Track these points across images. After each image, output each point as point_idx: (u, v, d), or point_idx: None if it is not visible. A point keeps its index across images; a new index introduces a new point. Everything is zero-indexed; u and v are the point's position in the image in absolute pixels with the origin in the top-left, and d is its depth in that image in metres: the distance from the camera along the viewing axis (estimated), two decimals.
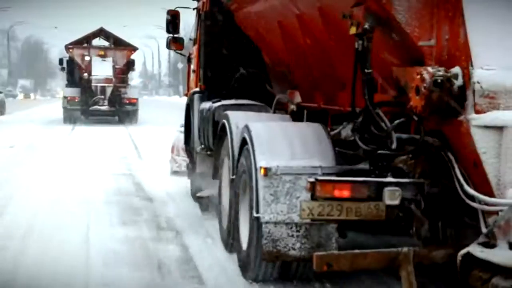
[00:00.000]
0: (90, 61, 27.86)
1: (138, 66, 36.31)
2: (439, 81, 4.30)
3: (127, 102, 28.25)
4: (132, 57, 30.15)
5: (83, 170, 12.98)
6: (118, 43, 29.76)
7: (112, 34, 30.09)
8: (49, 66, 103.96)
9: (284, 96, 7.54)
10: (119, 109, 28.07)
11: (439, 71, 4.35)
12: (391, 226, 5.48)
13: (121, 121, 28.15)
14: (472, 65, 4.28)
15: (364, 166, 5.44)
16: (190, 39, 10.28)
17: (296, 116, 7.21)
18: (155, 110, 33.77)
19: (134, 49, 29.92)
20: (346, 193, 4.74)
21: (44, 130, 23.93)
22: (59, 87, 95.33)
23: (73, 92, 28.21)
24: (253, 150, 5.66)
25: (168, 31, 9.99)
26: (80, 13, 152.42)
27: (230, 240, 6.63)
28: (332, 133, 6.14)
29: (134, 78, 42.66)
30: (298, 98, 7.22)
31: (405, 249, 4.63)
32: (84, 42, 29.65)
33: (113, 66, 27.95)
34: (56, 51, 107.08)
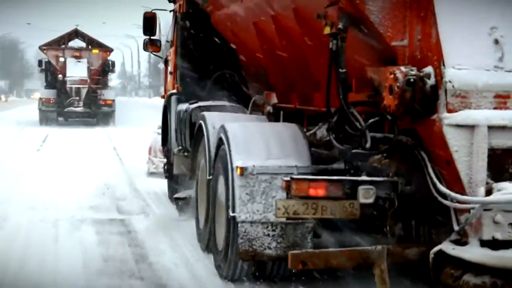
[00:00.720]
0: (64, 62, 27.78)
1: (116, 67, 36.06)
2: (411, 80, 4.35)
3: (103, 103, 28.17)
4: (111, 58, 30.06)
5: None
6: (93, 44, 29.64)
7: (87, 35, 30.02)
8: (26, 66, 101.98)
9: (260, 97, 7.58)
10: (95, 110, 27.98)
11: (411, 70, 4.40)
12: (366, 224, 5.53)
13: (98, 123, 28.03)
14: (444, 65, 4.34)
15: (339, 165, 5.50)
16: (167, 41, 10.29)
17: (273, 117, 7.26)
18: (135, 112, 33.65)
19: (110, 50, 29.84)
20: (321, 192, 4.76)
21: (17, 133, 23.68)
22: (36, 88, 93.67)
23: (49, 93, 28.21)
24: (230, 150, 5.69)
25: (145, 33, 10.00)
26: (58, 10, 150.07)
27: (206, 241, 6.65)
28: (308, 133, 6.20)
29: (113, 79, 42.27)
30: (274, 99, 7.26)
31: (378, 247, 4.68)
32: (60, 43, 29.51)
33: (88, 67, 27.92)
34: (33, 50, 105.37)
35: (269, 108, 7.40)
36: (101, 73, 29.40)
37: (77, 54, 28.49)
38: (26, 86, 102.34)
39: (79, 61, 27.98)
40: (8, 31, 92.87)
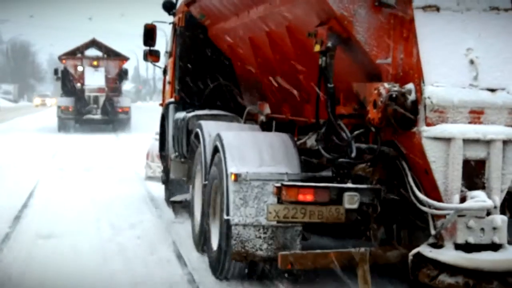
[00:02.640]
0: (83, 71, 28.17)
1: (130, 70, 36.38)
2: (394, 96, 4.73)
3: (120, 111, 28.56)
4: (125, 65, 30.45)
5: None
6: (110, 53, 30.08)
7: (104, 44, 30.50)
8: (37, 70, 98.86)
9: (254, 107, 7.95)
10: (112, 117, 28.36)
11: (394, 86, 4.79)
12: (352, 229, 5.89)
13: (114, 130, 28.39)
14: (423, 82, 4.72)
15: (327, 173, 5.88)
16: (166, 52, 10.65)
17: (266, 126, 7.63)
18: (149, 117, 33.79)
19: (126, 58, 30.25)
20: (309, 197, 5.12)
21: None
22: (49, 92, 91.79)
23: (67, 101, 28.55)
24: (224, 157, 6.05)
25: (145, 44, 10.34)
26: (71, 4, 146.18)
27: (201, 242, 7.01)
28: (298, 142, 6.57)
29: (126, 83, 42.11)
30: (267, 110, 7.64)
31: (362, 249, 5.05)
32: (77, 52, 29.96)
33: (106, 76, 28.30)
34: (45, 53, 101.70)
35: (262, 118, 7.77)
36: (117, 81, 29.83)
37: (94, 63, 28.89)
38: (37, 91, 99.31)
39: (97, 70, 28.39)
40: (14, 29, 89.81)
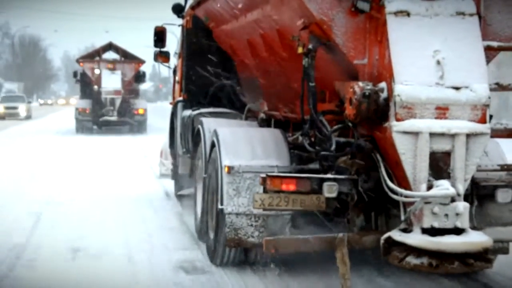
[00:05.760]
0: (100, 74, 28.80)
1: (148, 68, 36.81)
2: (367, 93, 5.16)
3: (136, 112, 29.13)
4: (142, 67, 31.02)
5: None
6: (126, 57, 30.71)
7: (120, 48, 31.11)
8: (48, 67, 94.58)
9: (254, 105, 8.43)
10: (128, 119, 28.94)
11: (368, 85, 5.22)
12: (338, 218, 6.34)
13: (131, 131, 28.98)
14: (394, 81, 5.14)
15: (315, 165, 6.33)
16: (175, 53, 11.16)
17: (265, 123, 8.10)
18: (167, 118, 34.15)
19: (142, 62, 30.79)
20: (292, 187, 5.57)
21: None
22: (64, 92, 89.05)
23: (84, 103, 29.22)
24: (219, 151, 6.54)
25: (155, 45, 10.86)
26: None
27: (202, 232, 7.50)
28: (291, 138, 7.04)
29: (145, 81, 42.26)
30: (265, 107, 8.10)
31: (340, 234, 5.50)
32: (95, 55, 30.64)
33: (122, 79, 28.87)
34: (57, 51, 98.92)
35: (262, 115, 8.24)
36: (134, 84, 30.43)
37: (111, 66, 29.50)
38: (50, 89, 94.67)
39: (114, 73, 28.99)
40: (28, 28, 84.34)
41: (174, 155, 10.49)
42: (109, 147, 21.36)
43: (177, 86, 10.72)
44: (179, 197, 10.15)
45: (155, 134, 25.39)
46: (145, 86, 57.47)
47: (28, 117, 43.10)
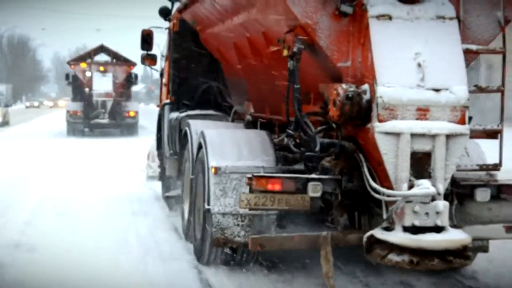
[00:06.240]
0: (91, 76, 28.82)
1: (140, 70, 36.58)
2: (350, 95, 5.30)
3: (127, 115, 29.16)
4: (133, 70, 31.07)
5: None
6: (118, 59, 30.74)
7: (112, 50, 31.15)
8: (38, 68, 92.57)
9: (240, 107, 8.55)
10: (120, 122, 28.97)
11: (351, 87, 5.35)
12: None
13: (122, 134, 29.02)
14: (376, 83, 5.27)
15: (299, 166, 6.46)
16: (162, 56, 11.27)
17: (252, 125, 8.22)
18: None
19: (133, 64, 30.82)
20: (277, 187, 5.69)
21: None
22: (54, 93, 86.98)
23: (76, 106, 29.23)
24: (206, 153, 6.65)
25: (142, 48, 10.96)
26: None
27: (189, 233, 7.61)
28: (277, 139, 7.16)
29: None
30: (252, 109, 8.23)
31: (324, 233, 5.63)
32: (86, 58, 30.66)
33: (113, 81, 28.90)
34: (47, 51, 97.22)
35: (248, 117, 8.36)
36: (125, 86, 30.46)
37: (102, 68, 29.53)
38: (38, 91, 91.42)
39: (105, 75, 29.02)
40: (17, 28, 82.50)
41: (161, 157, 10.60)
42: (99, 150, 21.36)
43: (164, 89, 10.84)
44: (166, 198, 10.22)
45: (147, 136, 25.37)
46: (137, 88, 57.34)
47: (4, 123, 36.75)
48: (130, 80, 30.93)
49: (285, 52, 5.83)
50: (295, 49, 5.71)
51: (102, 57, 31.59)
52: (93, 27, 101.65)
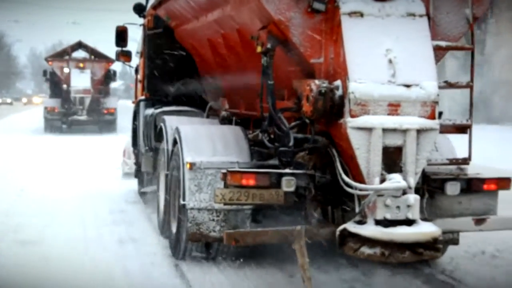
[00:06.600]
0: (69, 73, 28.68)
1: (118, 67, 36.39)
2: (323, 91, 5.38)
3: (106, 112, 29.05)
4: (112, 66, 30.95)
5: None
6: (96, 55, 30.59)
7: (90, 46, 31.01)
8: (13, 64, 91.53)
9: (215, 103, 8.61)
10: (98, 118, 28.85)
11: (323, 83, 5.43)
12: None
13: (100, 130, 28.85)
14: (348, 79, 5.35)
15: (274, 161, 6.53)
16: (137, 52, 11.29)
17: (227, 121, 8.28)
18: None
19: (112, 61, 30.67)
20: (251, 182, 5.76)
21: None
22: (30, 90, 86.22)
23: (53, 102, 29.08)
24: (181, 148, 6.70)
25: (117, 44, 10.97)
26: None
27: (164, 228, 7.66)
28: (252, 135, 7.23)
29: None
30: (227, 105, 8.29)
31: (297, 227, 5.69)
32: (64, 54, 30.46)
33: (92, 78, 28.79)
34: (23, 47, 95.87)
35: (223, 113, 8.42)
36: (104, 83, 30.33)
37: (81, 65, 29.40)
38: (14, 88, 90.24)
39: (83, 72, 28.90)
40: None
41: (136, 153, 10.62)
42: (76, 147, 21.27)
43: (139, 85, 10.87)
44: (142, 194, 10.26)
45: (125, 133, 25.25)
46: (115, 85, 57.26)
47: None
48: (109, 76, 30.87)
49: (259, 49, 5.90)
50: (268, 46, 5.78)
51: (80, 54, 31.46)
52: (69, 20, 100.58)
